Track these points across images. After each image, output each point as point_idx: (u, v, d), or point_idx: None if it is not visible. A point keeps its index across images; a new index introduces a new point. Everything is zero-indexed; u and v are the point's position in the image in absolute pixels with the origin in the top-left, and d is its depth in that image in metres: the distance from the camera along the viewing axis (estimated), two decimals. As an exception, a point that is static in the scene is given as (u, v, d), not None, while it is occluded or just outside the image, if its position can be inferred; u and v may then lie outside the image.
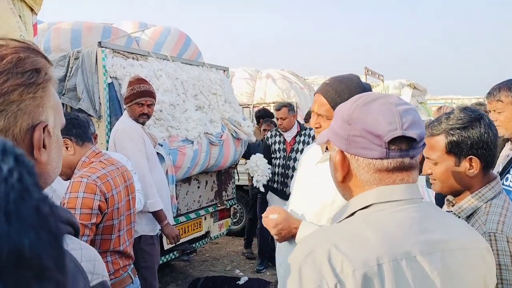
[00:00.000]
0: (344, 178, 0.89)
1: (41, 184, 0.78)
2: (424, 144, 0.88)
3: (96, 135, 2.73)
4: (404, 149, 0.84)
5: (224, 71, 4.76)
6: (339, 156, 0.88)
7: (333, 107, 1.47)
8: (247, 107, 6.62)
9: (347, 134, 0.86)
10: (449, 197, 1.46)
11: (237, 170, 4.90)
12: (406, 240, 0.80)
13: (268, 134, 4.68)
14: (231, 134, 4.25)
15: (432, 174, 1.37)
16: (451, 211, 1.34)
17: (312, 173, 1.60)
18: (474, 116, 1.28)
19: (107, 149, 3.21)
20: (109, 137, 3.30)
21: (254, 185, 4.47)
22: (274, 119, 4.95)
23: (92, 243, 1.74)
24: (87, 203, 1.68)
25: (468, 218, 1.30)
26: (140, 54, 3.70)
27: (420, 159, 0.95)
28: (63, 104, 3.50)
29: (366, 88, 1.50)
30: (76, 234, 0.75)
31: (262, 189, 4.43)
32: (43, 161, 0.74)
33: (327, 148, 1.54)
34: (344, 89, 1.48)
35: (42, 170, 0.76)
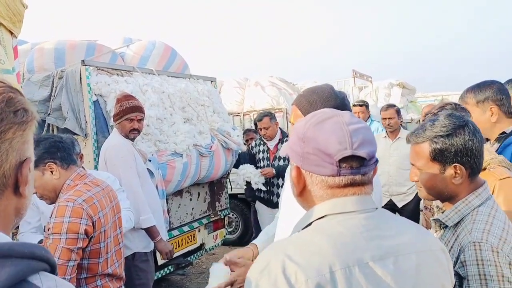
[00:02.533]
0: (301, 192, 0.93)
1: (19, 219, 0.80)
2: (377, 161, 0.91)
3: (82, 155, 2.72)
4: (355, 167, 0.86)
5: (212, 81, 4.76)
6: (295, 172, 0.92)
7: None
8: (237, 115, 6.62)
9: (301, 151, 0.89)
10: (438, 204, 1.46)
11: (229, 180, 4.90)
12: (358, 247, 0.82)
13: (253, 143, 4.74)
14: (221, 144, 4.25)
15: (418, 181, 1.37)
16: (439, 219, 1.34)
17: None
18: (459, 123, 1.27)
19: (95, 167, 3.20)
20: (96, 155, 3.29)
21: (255, 188, 4.47)
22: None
23: (80, 267, 1.72)
24: (73, 228, 1.65)
25: (456, 226, 1.30)
26: (125, 70, 3.70)
27: None
28: (48, 124, 3.48)
29: (339, 97, 1.53)
30: (52, 270, 0.74)
31: (264, 188, 4.44)
32: (26, 196, 0.77)
33: None
34: (316, 99, 1.51)
35: (23, 205, 0.78)
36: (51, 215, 1.72)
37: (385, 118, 4.44)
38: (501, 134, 1.95)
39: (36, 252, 0.69)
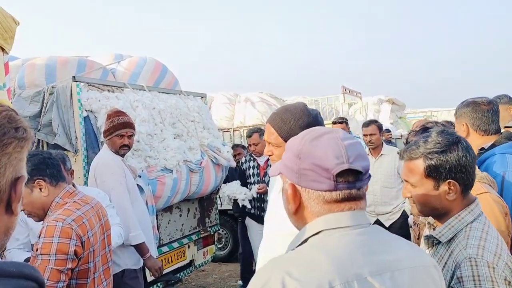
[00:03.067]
0: (296, 210, 0.94)
1: (7, 239, 0.80)
2: (369, 176, 0.94)
3: (73, 171, 2.71)
4: (351, 181, 0.89)
5: (202, 97, 4.79)
6: (291, 189, 0.92)
7: (280, 135, 1.57)
8: (227, 131, 6.65)
9: (297, 167, 0.91)
10: (430, 220, 1.48)
11: (219, 196, 4.89)
12: (356, 262, 0.83)
13: (243, 159, 4.76)
14: (211, 160, 4.26)
15: (411, 197, 1.39)
16: (432, 235, 1.35)
17: (277, 202, 1.65)
18: (452, 140, 1.30)
19: (85, 183, 3.18)
20: (86, 171, 3.28)
21: (241, 205, 4.47)
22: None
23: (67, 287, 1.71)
24: (62, 248, 1.62)
25: (449, 242, 1.31)
26: (116, 86, 3.71)
27: None
28: (38, 140, 3.47)
29: (312, 114, 1.58)
30: None
31: (249, 206, 4.46)
32: (17, 214, 0.78)
33: None
34: (289, 116, 1.56)
35: (13, 224, 0.79)
36: (40, 234, 1.69)
37: (366, 135, 4.32)
38: (480, 150, 2.01)
39: (24, 271, 0.69)
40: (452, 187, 1.29)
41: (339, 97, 9.19)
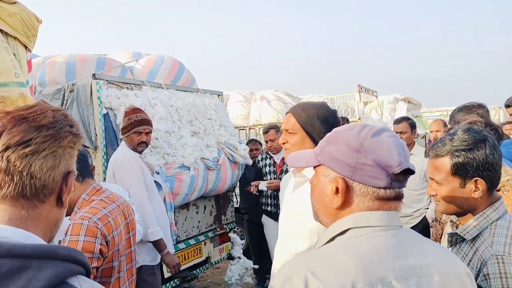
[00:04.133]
0: (342, 204, 0.90)
1: (55, 230, 0.85)
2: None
3: (94, 167, 2.73)
4: (401, 180, 0.89)
5: (218, 95, 4.80)
6: (342, 183, 0.89)
7: (298, 121, 1.62)
8: (243, 129, 6.65)
9: (355, 161, 0.87)
10: (453, 218, 1.46)
11: (235, 193, 4.90)
12: (381, 265, 0.81)
13: (259, 157, 4.75)
14: (228, 158, 4.27)
15: (436, 195, 1.37)
16: (456, 233, 1.34)
17: (292, 200, 1.66)
18: (479, 138, 1.29)
19: (104, 180, 3.22)
20: (105, 168, 3.32)
21: (260, 188, 4.36)
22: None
23: None
24: (88, 247, 1.61)
25: (473, 240, 1.30)
26: (134, 84, 3.75)
27: None
28: (59, 136, 3.52)
29: (331, 110, 1.65)
30: (87, 274, 0.78)
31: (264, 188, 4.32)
32: (65, 206, 0.84)
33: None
34: (309, 107, 1.64)
35: (61, 216, 0.85)
36: (66, 232, 1.69)
37: (397, 132, 3.88)
38: None
39: (75, 256, 0.74)
40: (478, 185, 1.28)
41: (354, 95, 9.10)
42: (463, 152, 1.28)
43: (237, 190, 4.94)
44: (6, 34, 2.42)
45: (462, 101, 2.28)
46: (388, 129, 0.94)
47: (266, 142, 4.56)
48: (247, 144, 5.28)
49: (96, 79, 3.39)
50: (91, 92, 3.37)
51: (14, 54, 2.46)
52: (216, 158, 4.09)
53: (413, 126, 4.07)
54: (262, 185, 4.31)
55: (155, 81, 4.14)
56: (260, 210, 4.62)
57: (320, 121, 1.59)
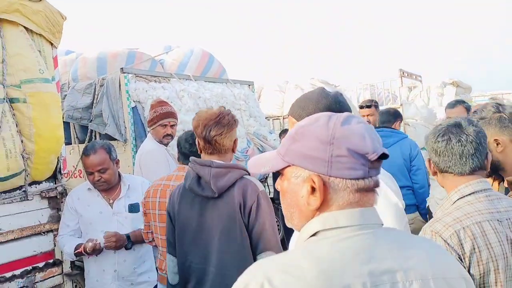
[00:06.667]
0: (320, 205, 0.81)
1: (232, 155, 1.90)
2: None
3: (118, 160, 2.78)
4: (377, 167, 0.81)
5: (249, 85, 4.76)
6: (318, 182, 0.80)
7: None
8: (277, 119, 6.58)
9: (329, 155, 0.79)
10: None
11: (267, 184, 4.86)
12: (347, 271, 0.73)
13: None
14: (257, 148, 4.23)
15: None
16: None
17: None
18: None
19: (133, 172, 3.28)
20: (135, 160, 3.38)
21: None
22: None
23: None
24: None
25: None
26: (162, 77, 3.78)
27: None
28: (91, 130, 3.63)
29: (330, 95, 1.47)
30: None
31: None
32: (235, 151, 1.92)
33: None
34: (307, 103, 1.48)
35: (229, 158, 1.85)
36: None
37: (450, 118, 3.59)
38: None
39: (244, 167, 1.73)
40: None
41: (396, 81, 8.71)
42: None
43: (270, 181, 4.89)
44: (31, 31, 2.50)
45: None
46: (354, 115, 0.85)
47: None
48: (280, 134, 5.21)
49: (124, 73, 3.45)
50: (120, 86, 3.44)
51: (40, 51, 2.54)
52: (245, 149, 4.06)
53: (468, 109, 3.68)
54: None
55: (185, 73, 4.16)
56: None
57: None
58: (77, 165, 3.70)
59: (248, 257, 1.68)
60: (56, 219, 2.62)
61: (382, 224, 0.82)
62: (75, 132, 3.83)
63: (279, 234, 6.31)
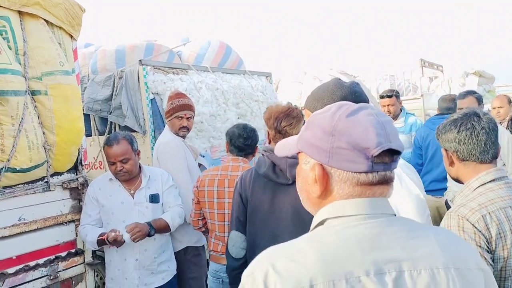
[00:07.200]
0: (322, 193, 0.83)
1: None
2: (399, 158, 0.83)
3: (139, 151, 2.80)
4: (387, 162, 0.79)
5: (267, 76, 4.72)
6: (319, 170, 0.82)
7: None
8: (295, 110, 6.54)
9: (329, 146, 0.80)
10: None
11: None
12: (350, 259, 0.73)
13: None
14: (276, 140, 4.20)
15: None
16: None
17: None
18: None
19: (151, 164, 3.30)
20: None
21: None
22: None
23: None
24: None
25: None
26: (180, 68, 3.78)
27: None
28: (111, 122, 3.67)
29: (345, 85, 1.46)
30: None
31: None
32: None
33: None
34: (322, 94, 1.49)
35: None
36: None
37: (461, 109, 3.35)
38: None
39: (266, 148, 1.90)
40: None
41: (416, 71, 8.53)
42: None
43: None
44: (51, 24, 2.52)
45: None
46: (369, 106, 0.83)
47: None
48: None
49: (142, 65, 3.46)
50: (138, 78, 3.45)
51: (60, 44, 2.57)
52: (264, 141, 4.04)
53: (480, 100, 3.72)
54: None
55: (202, 64, 4.15)
56: None
57: None
58: (97, 157, 3.75)
59: None
60: (77, 209, 2.66)
61: (394, 215, 0.81)
62: (95, 124, 3.88)
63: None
